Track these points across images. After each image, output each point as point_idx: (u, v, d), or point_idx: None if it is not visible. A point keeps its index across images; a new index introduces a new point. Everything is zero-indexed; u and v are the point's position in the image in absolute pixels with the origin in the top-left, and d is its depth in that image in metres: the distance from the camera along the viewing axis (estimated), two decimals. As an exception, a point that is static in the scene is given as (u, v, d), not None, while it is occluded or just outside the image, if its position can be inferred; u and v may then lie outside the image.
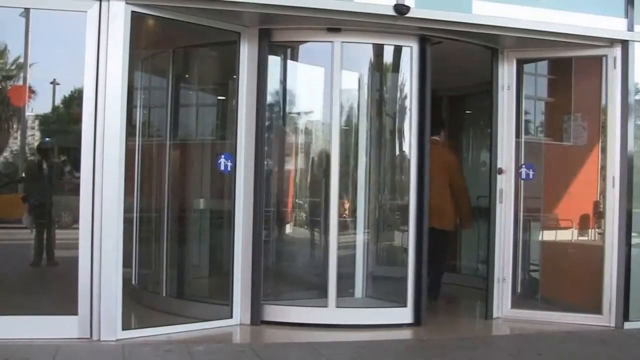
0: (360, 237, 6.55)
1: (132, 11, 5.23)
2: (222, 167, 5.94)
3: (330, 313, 5.97)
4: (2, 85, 7.58)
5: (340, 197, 6.16)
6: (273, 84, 6.27)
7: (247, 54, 5.95)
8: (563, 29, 6.11)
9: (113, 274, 5.17)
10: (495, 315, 6.49)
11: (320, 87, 6.38)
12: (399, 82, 6.59)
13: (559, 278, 6.86)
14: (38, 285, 6.50)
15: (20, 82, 6.84)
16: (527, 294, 6.99)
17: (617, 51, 6.28)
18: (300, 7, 5.55)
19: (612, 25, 6.27)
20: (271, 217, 6.47)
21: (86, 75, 5.20)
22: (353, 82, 6.63)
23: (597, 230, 6.84)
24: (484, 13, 5.94)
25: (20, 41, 6.12)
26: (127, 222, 5.48)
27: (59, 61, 6.08)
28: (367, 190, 6.58)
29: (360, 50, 6.48)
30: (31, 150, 7.56)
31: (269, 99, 6.18)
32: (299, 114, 6.92)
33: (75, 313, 5.15)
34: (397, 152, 6.83)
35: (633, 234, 6.27)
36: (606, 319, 6.22)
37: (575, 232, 7.10)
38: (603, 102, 6.49)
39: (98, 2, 5.16)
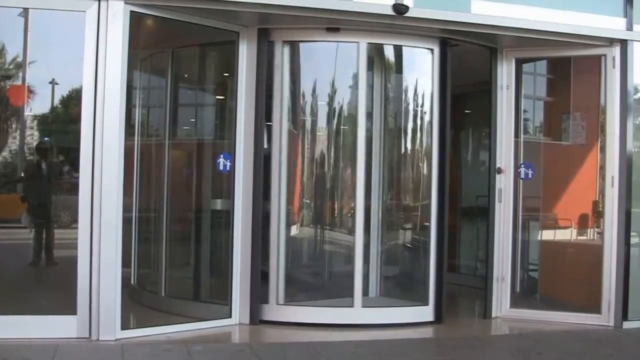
0: (381, 236, 6.59)
1: (131, 11, 5.23)
2: (221, 167, 5.94)
3: (356, 313, 6.01)
4: (1, 85, 7.58)
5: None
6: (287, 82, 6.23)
7: (246, 53, 5.95)
8: (562, 28, 6.11)
9: (112, 273, 5.17)
10: (494, 314, 6.49)
11: (326, 87, 6.42)
12: (420, 84, 6.62)
13: (557, 277, 6.87)
14: (37, 285, 6.50)
15: (19, 82, 6.84)
16: (526, 294, 7.00)
17: (616, 51, 6.28)
18: (299, 6, 5.55)
19: (611, 24, 6.27)
20: (291, 216, 6.48)
21: (85, 75, 5.20)
22: (376, 82, 6.63)
23: (596, 229, 6.84)
24: (483, 12, 5.95)
25: (19, 41, 6.13)
26: (126, 221, 5.48)
27: (58, 61, 6.09)
28: (388, 191, 6.64)
29: (387, 51, 6.54)
30: (30, 150, 7.56)
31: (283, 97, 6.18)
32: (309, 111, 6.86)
33: (74, 313, 5.15)
34: (418, 153, 6.84)
35: (632, 234, 6.28)
36: (605, 318, 6.23)
37: (574, 231, 7.10)
38: (602, 101, 6.49)
39: (97, 2, 5.16)
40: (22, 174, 7.63)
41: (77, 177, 5.24)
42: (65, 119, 6.90)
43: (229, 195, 6.00)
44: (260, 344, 5.50)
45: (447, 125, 6.26)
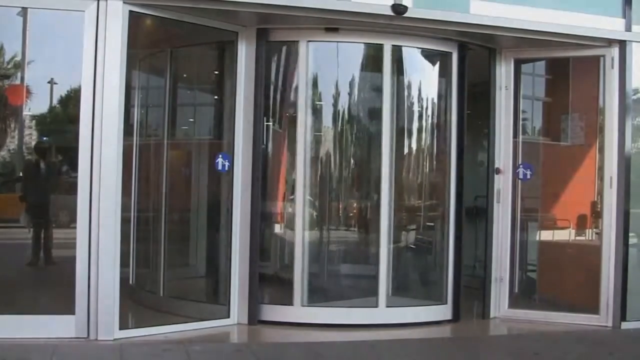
0: (400, 236, 6.62)
1: (130, 10, 5.23)
2: (220, 167, 5.94)
3: (381, 313, 6.03)
4: (0, 85, 7.58)
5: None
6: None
7: (244, 53, 5.95)
8: (560, 29, 6.11)
9: (110, 273, 5.16)
10: (492, 315, 6.49)
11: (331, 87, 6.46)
12: (441, 86, 6.62)
13: (556, 278, 6.86)
14: (35, 284, 6.49)
15: (18, 82, 6.84)
16: (525, 294, 6.99)
17: (615, 51, 6.28)
18: (297, 6, 5.55)
19: (610, 25, 6.27)
20: (314, 218, 6.48)
21: (84, 74, 5.19)
22: (401, 85, 6.63)
23: (594, 230, 6.84)
24: (482, 13, 5.94)
25: (18, 40, 6.12)
26: (125, 221, 5.47)
27: (56, 61, 6.09)
28: (408, 191, 6.68)
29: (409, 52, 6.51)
30: (29, 150, 7.56)
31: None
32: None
33: (72, 312, 5.14)
34: (436, 154, 6.83)
35: (630, 234, 6.28)
36: (603, 318, 6.22)
37: (573, 232, 7.10)
38: (601, 102, 6.49)
39: (96, 2, 5.16)
40: (21, 174, 7.63)
41: (76, 177, 5.23)
42: (63, 118, 6.89)
43: (229, 195, 5.99)
44: (259, 344, 5.50)
45: (464, 127, 6.32)
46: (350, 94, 6.67)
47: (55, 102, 6.84)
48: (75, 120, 5.25)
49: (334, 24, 5.87)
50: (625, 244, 6.22)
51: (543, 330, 6.12)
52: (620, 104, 6.26)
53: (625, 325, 6.17)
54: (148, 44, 6.52)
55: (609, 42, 6.29)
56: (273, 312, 5.98)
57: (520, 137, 6.77)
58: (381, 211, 6.09)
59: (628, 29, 6.28)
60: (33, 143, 7.44)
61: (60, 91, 6.78)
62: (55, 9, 5.25)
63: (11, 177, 7.69)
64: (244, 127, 5.94)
